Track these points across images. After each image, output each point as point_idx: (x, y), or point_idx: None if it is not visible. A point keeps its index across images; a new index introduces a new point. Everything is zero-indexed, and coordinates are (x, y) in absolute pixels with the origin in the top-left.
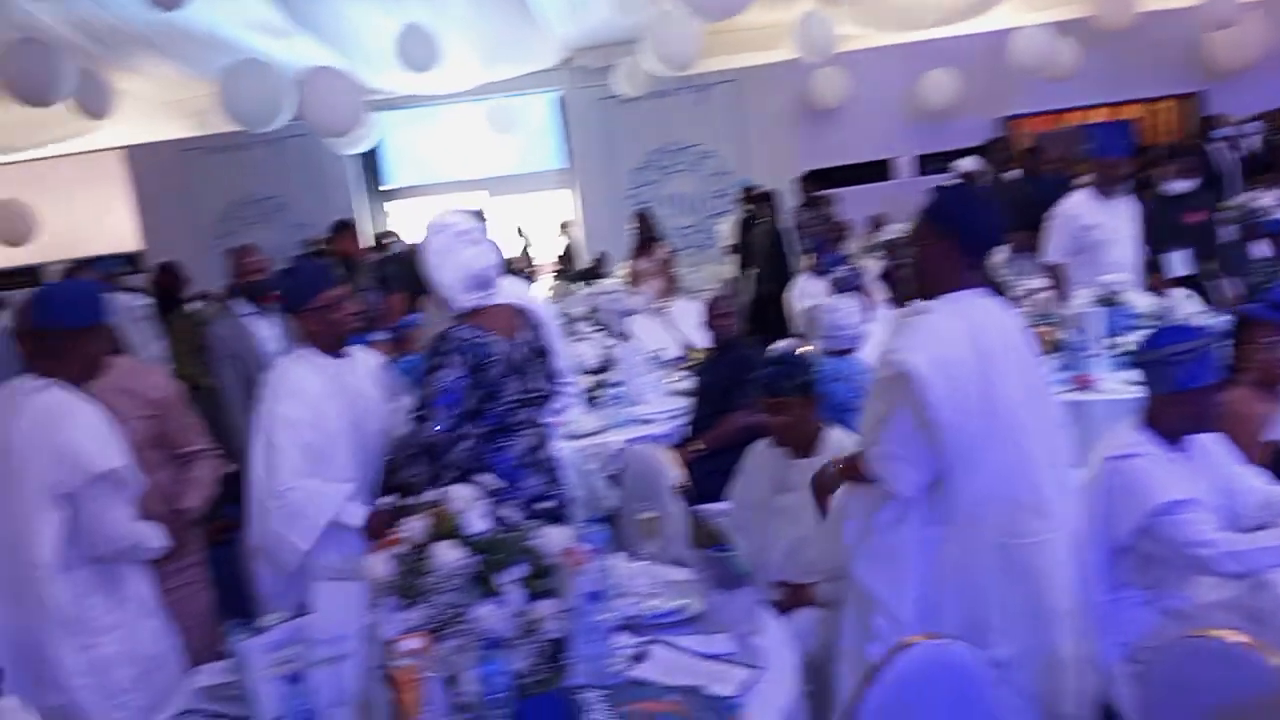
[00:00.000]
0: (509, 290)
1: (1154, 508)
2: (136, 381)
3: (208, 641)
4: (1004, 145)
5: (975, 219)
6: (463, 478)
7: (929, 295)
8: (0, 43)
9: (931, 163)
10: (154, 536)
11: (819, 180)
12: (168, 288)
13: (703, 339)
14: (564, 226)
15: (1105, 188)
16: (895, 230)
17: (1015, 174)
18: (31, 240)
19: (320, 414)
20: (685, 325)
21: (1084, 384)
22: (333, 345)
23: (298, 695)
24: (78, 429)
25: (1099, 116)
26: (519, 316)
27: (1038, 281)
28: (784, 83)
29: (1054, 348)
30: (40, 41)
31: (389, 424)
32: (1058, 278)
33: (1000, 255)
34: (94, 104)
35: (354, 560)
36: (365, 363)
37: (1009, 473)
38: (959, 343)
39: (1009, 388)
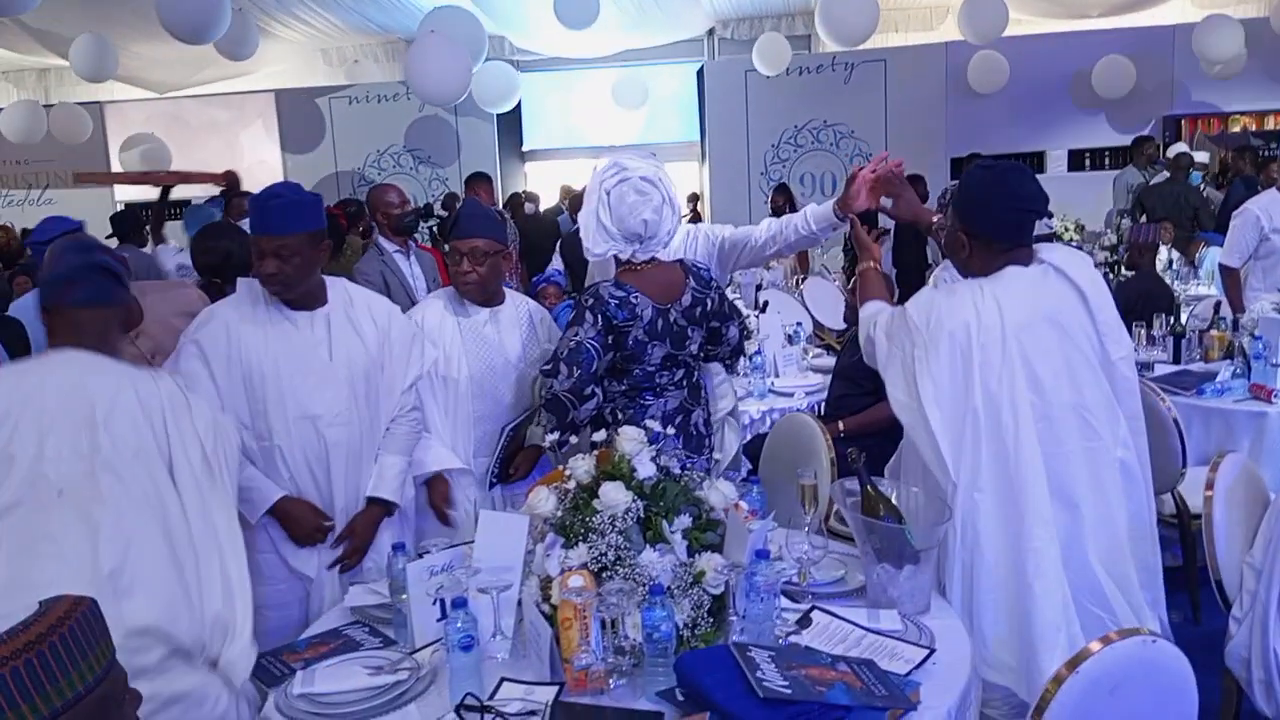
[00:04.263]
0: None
1: None
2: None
3: None
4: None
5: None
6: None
7: None
8: None
9: (1084, 157)
10: None
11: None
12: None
13: (832, 319)
14: (692, 199)
15: None
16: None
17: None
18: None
19: (441, 358)
20: (815, 304)
21: (1262, 394)
22: (473, 293)
23: (456, 620)
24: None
25: (1269, 122)
26: (688, 278)
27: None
28: (933, 65)
29: (1229, 353)
30: None
31: (529, 374)
32: (1232, 282)
33: (1161, 256)
34: (238, 48)
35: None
36: (520, 313)
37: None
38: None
39: (990, 378)
